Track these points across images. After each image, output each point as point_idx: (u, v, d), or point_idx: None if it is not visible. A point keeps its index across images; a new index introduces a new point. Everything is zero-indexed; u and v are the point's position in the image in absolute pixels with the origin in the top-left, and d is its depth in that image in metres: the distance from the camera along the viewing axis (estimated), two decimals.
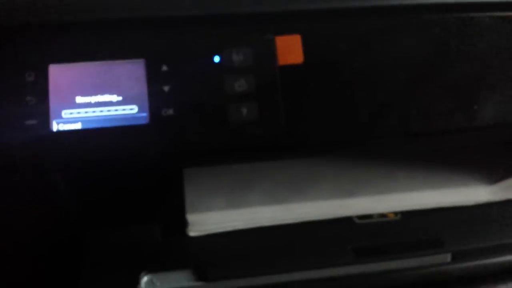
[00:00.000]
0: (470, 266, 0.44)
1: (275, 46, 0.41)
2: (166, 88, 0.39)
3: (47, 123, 0.38)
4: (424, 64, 0.42)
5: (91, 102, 0.39)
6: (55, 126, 0.39)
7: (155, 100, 0.39)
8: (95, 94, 0.39)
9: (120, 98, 0.39)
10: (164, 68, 0.40)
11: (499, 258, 0.45)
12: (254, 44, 0.40)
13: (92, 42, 0.40)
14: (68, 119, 0.39)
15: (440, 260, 0.44)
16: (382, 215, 0.50)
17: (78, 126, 0.39)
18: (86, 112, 0.39)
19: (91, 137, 0.39)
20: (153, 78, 0.39)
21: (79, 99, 0.39)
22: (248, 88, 0.40)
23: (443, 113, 0.43)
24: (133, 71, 0.39)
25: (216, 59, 0.40)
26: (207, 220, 0.47)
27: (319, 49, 0.41)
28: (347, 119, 0.42)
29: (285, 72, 0.41)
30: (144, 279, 0.42)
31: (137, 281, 0.41)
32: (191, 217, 0.47)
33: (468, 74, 0.43)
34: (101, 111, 0.39)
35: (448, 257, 0.44)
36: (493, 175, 0.53)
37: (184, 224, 0.47)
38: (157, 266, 0.43)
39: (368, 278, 0.43)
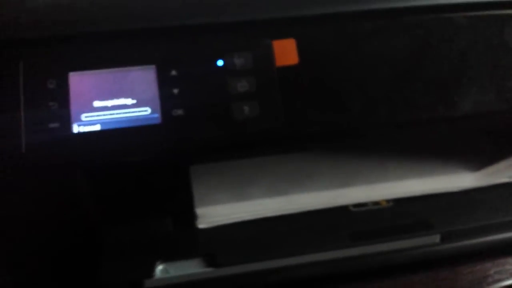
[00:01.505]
0: (458, 246, 0.46)
1: (272, 49, 0.44)
2: (175, 91, 0.42)
3: (68, 126, 0.41)
4: (409, 61, 0.45)
5: (108, 105, 0.42)
6: (76, 128, 0.41)
7: (166, 102, 0.42)
8: (112, 98, 0.42)
9: (134, 101, 0.42)
10: (173, 72, 0.42)
11: (484, 238, 0.47)
12: (253, 48, 0.43)
13: (108, 51, 0.42)
14: (87, 121, 0.41)
15: (430, 241, 0.46)
16: (376, 203, 0.52)
17: (97, 127, 0.41)
18: (103, 115, 0.42)
19: (109, 137, 0.41)
20: (163, 82, 0.42)
21: (97, 103, 0.42)
22: (250, 88, 0.43)
23: (427, 104, 0.45)
24: (145, 76, 0.42)
25: (220, 63, 0.43)
26: (215, 212, 0.50)
27: (312, 50, 0.44)
28: (340, 113, 0.44)
29: (282, 73, 0.44)
30: (159, 267, 0.44)
31: (152, 269, 0.43)
32: (199, 211, 0.49)
33: (449, 69, 0.46)
34: (117, 113, 0.42)
35: (437, 238, 0.46)
36: (477, 163, 0.55)
37: (193, 217, 0.49)
38: (170, 255, 0.45)
39: (364, 260, 0.45)
